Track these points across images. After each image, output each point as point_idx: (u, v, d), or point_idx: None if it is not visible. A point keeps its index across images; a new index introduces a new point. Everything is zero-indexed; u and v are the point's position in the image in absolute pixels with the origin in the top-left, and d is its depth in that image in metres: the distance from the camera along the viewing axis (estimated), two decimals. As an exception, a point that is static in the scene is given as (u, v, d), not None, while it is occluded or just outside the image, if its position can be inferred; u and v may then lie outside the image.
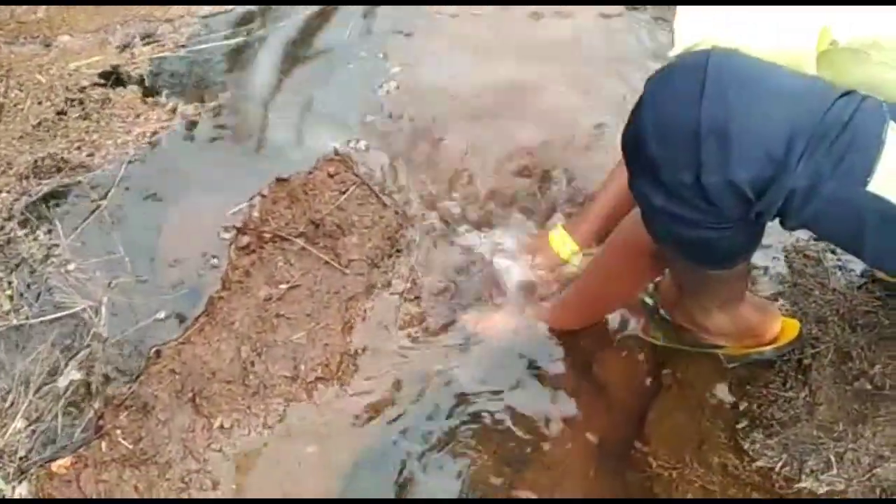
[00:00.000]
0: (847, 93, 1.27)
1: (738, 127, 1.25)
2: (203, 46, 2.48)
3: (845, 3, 1.37)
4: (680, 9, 1.40)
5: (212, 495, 1.64)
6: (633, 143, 1.36)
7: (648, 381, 1.85)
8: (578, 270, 1.94)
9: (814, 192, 1.25)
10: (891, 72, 1.34)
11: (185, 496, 1.63)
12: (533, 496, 1.68)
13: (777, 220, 1.34)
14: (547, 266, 1.96)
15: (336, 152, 2.18)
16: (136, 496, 1.62)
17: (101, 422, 1.70)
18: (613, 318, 1.92)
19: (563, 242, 1.96)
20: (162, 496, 1.62)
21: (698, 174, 1.28)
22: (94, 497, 1.61)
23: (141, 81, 2.37)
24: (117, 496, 1.62)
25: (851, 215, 1.28)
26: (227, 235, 2.02)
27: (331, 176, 2.11)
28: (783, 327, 1.79)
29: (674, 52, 1.40)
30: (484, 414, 1.78)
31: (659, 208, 1.38)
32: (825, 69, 1.35)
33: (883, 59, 1.33)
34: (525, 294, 1.93)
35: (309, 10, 2.61)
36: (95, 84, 2.32)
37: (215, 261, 1.98)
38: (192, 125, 2.27)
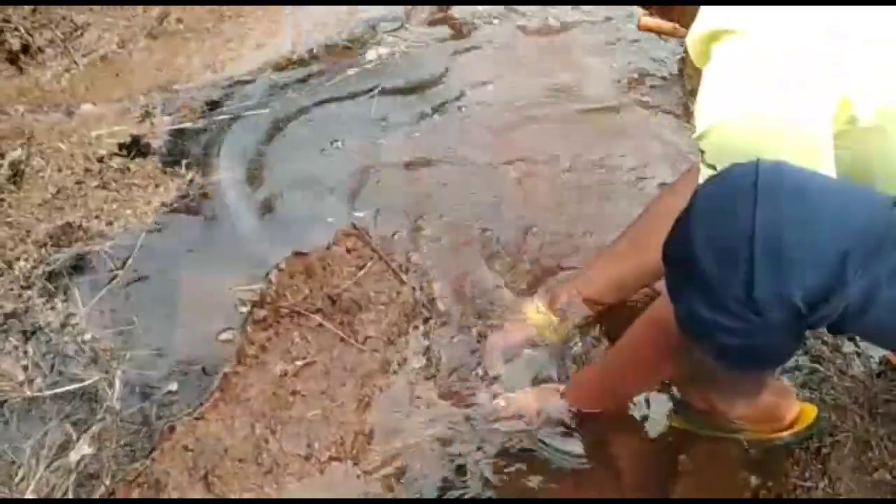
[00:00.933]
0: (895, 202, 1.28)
1: (792, 244, 1.24)
2: (224, 117, 2.49)
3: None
4: (701, 89, 1.40)
5: (222, 576, 1.62)
6: (681, 256, 1.35)
7: (665, 465, 1.83)
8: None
9: (870, 301, 1.25)
10: None
11: (195, 578, 1.61)
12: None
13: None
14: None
15: (354, 226, 2.18)
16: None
17: (113, 498, 1.68)
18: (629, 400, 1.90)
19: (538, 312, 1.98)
20: (172, 577, 1.61)
21: (750, 290, 1.27)
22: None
23: (161, 151, 2.38)
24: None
25: None
26: (243, 309, 2.01)
27: (349, 251, 2.11)
28: (801, 412, 1.78)
29: (696, 135, 1.40)
30: (498, 495, 1.76)
31: (704, 319, 1.37)
32: (842, 144, 1.35)
33: None
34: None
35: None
36: (115, 154, 2.33)
37: (231, 335, 1.96)
38: (211, 196, 2.27)
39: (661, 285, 1.97)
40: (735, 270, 1.28)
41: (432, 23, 2.87)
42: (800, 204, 1.26)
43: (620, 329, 1.93)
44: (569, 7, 2.95)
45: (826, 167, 1.34)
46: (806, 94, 1.31)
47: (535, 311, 1.99)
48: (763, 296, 1.27)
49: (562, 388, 1.86)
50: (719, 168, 1.35)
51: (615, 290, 1.99)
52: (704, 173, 1.39)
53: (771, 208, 1.25)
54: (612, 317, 2.01)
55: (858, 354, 1.91)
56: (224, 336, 1.96)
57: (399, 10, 2.89)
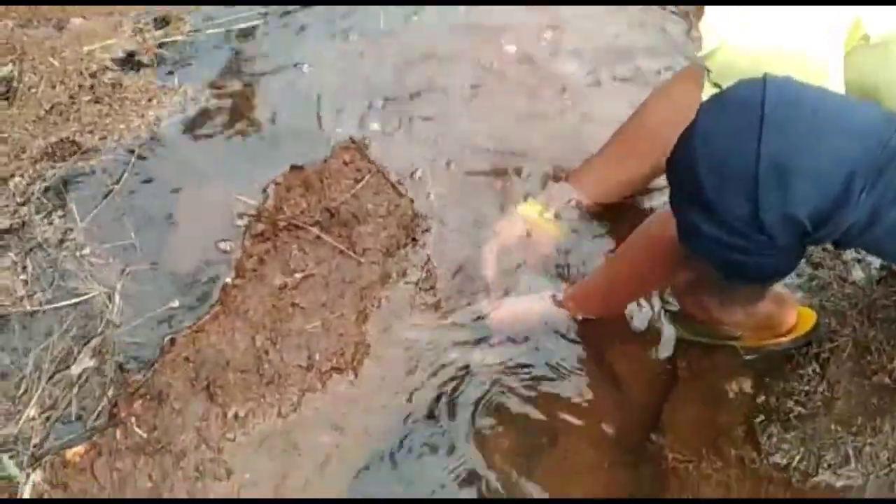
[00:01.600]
0: None
1: (799, 163, 1.24)
2: (218, 31, 2.45)
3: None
4: (708, 9, 1.38)
5: (226, 484, 1.64)
6: (685, 175, 1.34)
7: (664, 373, 1.84)
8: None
9: (874, 222, 1.26)
10: None
11: (199, 485, 1.62)
12: (546, 489, 1.67)
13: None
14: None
15: (352, 140, 2.16)
16: (150, 484, 1.62)
17: (115, 410, 1.69)
18: (628, 309, 1.91)
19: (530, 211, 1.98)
20: (177, 485, 1.62)
21: (756, 209, 1.27)
22: (109, 485, 1.61)
23: (154, 65, 2.35)
24: (131, 484, 1.61)
25: None
26: (240, 223, 2.00)
27: (346, 164, 2.10)
28: (799, 318, 1.78)
29: (702, 53, 1.38)
30: (499, 405, 1.78)
31: (708, 235, 1.36)
32: (851, 69, 1.33)
33: None
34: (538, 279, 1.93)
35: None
36: (108, 68, 2.30)
37: (229, 248, 1.96)
38: (205, 110, 2.25)
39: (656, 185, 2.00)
40: (740, 191, 1.27)
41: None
42: (806, 122, 1.25)
43: (616, 229, 1.97)
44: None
45: (833, 85, 1.32)
46: (818, 15, 1.29)
47: (528, 207, 1.99)
48: (768, 216, 1.27)
49: (559, 295, 1.87)
50: (724, 87, 1.34)
51: (610, 193, 1.99)
52: (708, 91, 1.38)
53: (777, 127, 1.24)
54: (607, 216, 2.02)
55: (859, 261, 1.90)
56: (223, 248, 1.96)
57: None
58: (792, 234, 1.31)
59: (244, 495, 1.63)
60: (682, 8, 2.57)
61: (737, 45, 1.33)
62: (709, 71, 1.37)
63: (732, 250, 1.36)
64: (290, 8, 2.53)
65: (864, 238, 1.30)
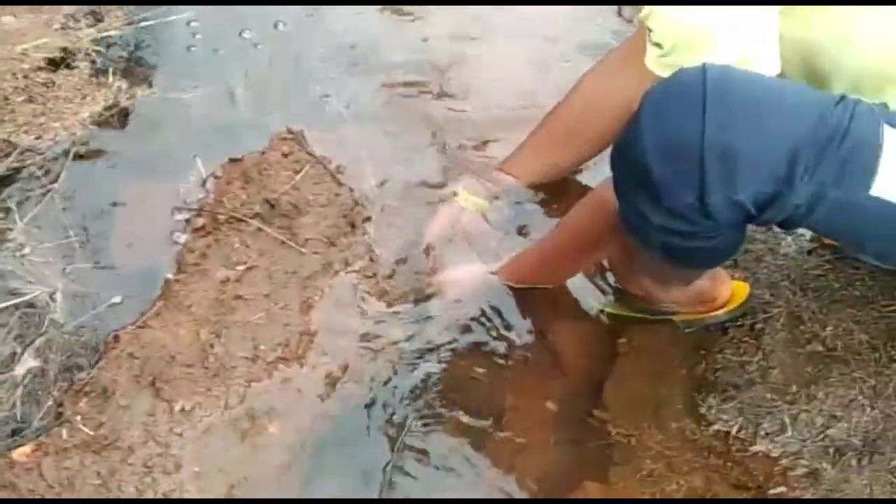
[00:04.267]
0: (840, 99, 1.31)
1: (742, 147, 1.27)
2: (151, 23, 2.44)
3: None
4: None
5: (175, 478, 1.63)
6: (631, 163, 1.38)
7: (604, 348, 1.88)
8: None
9: (817, 202, 1.30)
10: (852, 24, 1.37)
11: (148, 480, 1.62)
12: (493, 468, 1.70)
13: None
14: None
15: (289, 131, 2.16)
16: (98, 482, 1.61)
17: (60, 409, 1.69)
18: (567, 284, 1.94)
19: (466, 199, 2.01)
20: (125, 481, 1.62)
21: (701, 194, 1.31)
22: (58, 484, 1.60)
23: (87, 62, 2.33)
24: (80, 482, 1.61)
25: (855, 219, 1.34)
26: (180, 217, 2.00)
27: (285, 155, 2.10)
28: (733, 291, 1.83)
29: (643, 14, 1.40)
30: (443, 387, 1.80)
31: (654, 223, 1.40)
32: (787, 22, 1.36)
33: (849, 9, 1.36)
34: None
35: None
36: (41, 67, 2.28)
37: (170, 243, 1.96)
38: (140, 106, 2.24)
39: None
40: (687, 178, 1.31)
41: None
42: (748, 110, 1.29)
43: (554, 207, 2.00)
44: None
45: (768, 41, 1.35)
46: None
47: (464, 198, 2.02)
48: (714, 202, 1.31)
49: (495, 267, 1.91)
50: (665, 47, 1.36)
51: (550, 173, 2.02)
52: (651, 52, 1.41)
53: (720, 115, 1.28)
54: (545, 195, 2.06)
55: (790, 234, 1.95)
56: (164, 245, 1.95)
57: None
58: (737, 217, 1.35)
59: (193, 489, 1.63)
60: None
61: (674, 4, 1.35)
62: (650, 30, 1.39)
63: (679, 236, 1.41)
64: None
65: (808, 220, 1.34)
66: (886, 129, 1.29)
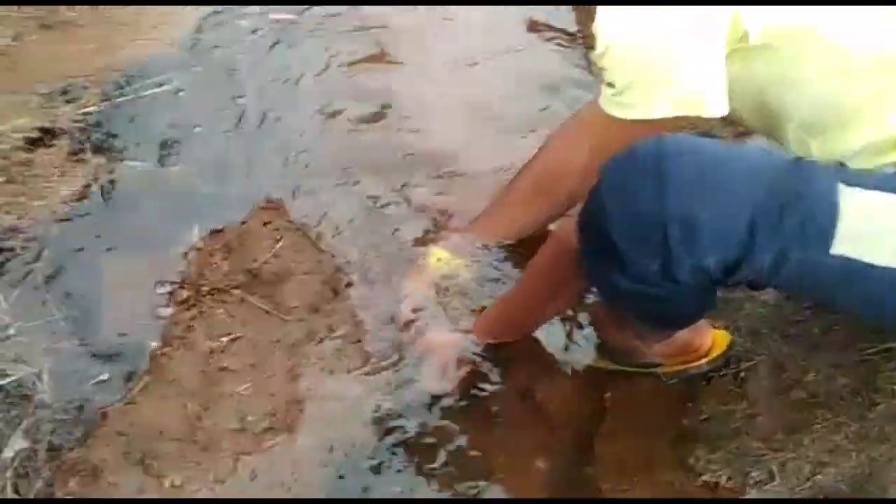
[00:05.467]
0: (796, 161, 1.35)
1: (703, 215, 1.31)
2: (126, 99, 2.47)
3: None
4: (599, 9, 1.43)
5: (167, 554, 1.64)
6: (596, 234, 1.41)
7: (591, 403, 1.89)
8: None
9: (781, 263, 1.33)
10: (800, 68, 1.40)
11: (140, 558, 1.62)
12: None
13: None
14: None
15: (269, 200, 2.19)
16: (91, 562, 1.61)
17: (51, 489, 1.68)
18: (549, 341, 1.96)
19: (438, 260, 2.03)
20: (117, 560, 1.61)
21: (666, 262, 1.34)
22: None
23: (65, 140, 2.35)
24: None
25: (819, 277, 1.36)
26: (163, 290, 2.01)
27: (265, 225, 2.12)
28: (714, 340, 1.85)
29: (596, 53, 1.43)
30: (435, 452, 1.79)
31: (626, 291, 1.44)
32: (735, 65, 1.39)
33: (791, 55, 1.39)
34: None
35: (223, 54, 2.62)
36: (19, 147, 2.29)
37: (154, 317, 1.96)
38: (119, 181, 2.25)
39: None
40: (651, 248, 1.35)
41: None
42: (706, 178, 1.32)
43: (524, 261, 1.98)
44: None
45: (715, 82, 1.38)
46: (699, 9, 1.35)
47: (436, 260, 2.03)
48: (680, 269, 1.35)
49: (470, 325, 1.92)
50: (618, 86, 1.39)
51: (518, 232, 2.05)
52: (604, 92, 1.43)
53: (679, 186, 1.31)
54: (515, 251, 2.06)
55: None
56: (148, 319, 1.96)
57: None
58: (704, 281, 1.38)
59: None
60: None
61: (627, 42, 1.38)
62: (603, 70, 1.42)
63: (648, 300, 1.43)
64: (196, 70, 2.56)
65: (774, 280, 1.37)
66: (842, 188, 1.32)
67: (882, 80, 1.38)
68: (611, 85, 1.40)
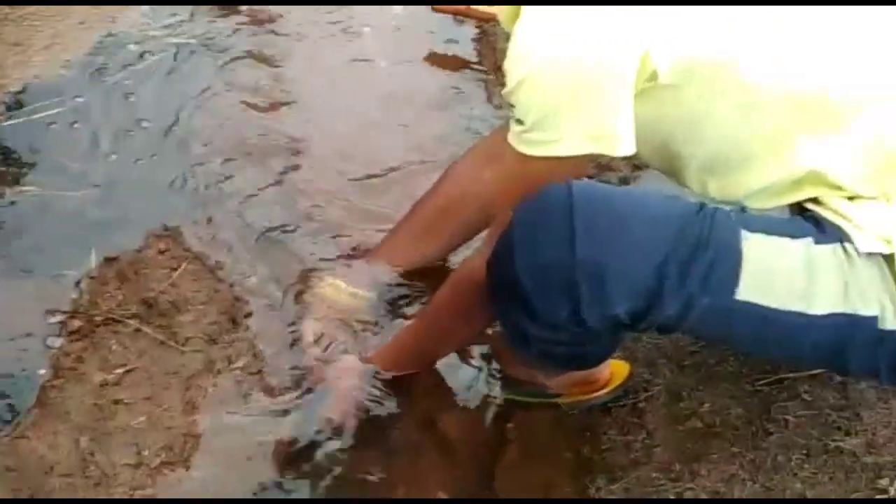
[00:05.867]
0: (700, 208, 1.37)
1: (612, 264, 1.33)
2: (16, 122, 2.39)
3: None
4: (512, 47, 1.43)
5: None
6: (504, 279, 1.43)
7: (491, 433, 1.90)
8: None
9: (689, 311, 1.35)
10: (708, 105, 1.43)
11: None
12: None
13: None
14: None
15: (165, 227, 2.14)
16: None
17: (-64, 530, 1.61)
18: (450, 371, 1.96)
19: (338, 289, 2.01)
20: None
21: (576, 310, 1.36)
22: None
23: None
24: None
25: (725, 322, 1.39)
26: (55, 320, 1.94)
27: (161, 252, 2.07)
28: (614, 371, 1.87)
29: (506, 90, 1.43)
30: (334, 482, 1.78)
31: (535, 337, 1.46)
32: (643, 105, 1.41)
33: (700, 92, 1.41)
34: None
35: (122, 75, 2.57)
36: None
37: (45, 347, 1.89)
38: (9, 205, 2.18)
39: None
40: (561, 295, 1.36)
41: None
42: (614, 227, 1.35)
43: (427, 292, 2.02)
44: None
45: (624, 122, 1.39)
46: (610, 49, 1.36)
47: (335, 289, 2.02)
48: (590, 317, 1.37)
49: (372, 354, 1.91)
50: (527, 123, 1.40)
51: (418, 261, 2.06)
52: (513, 128, 1.44)
53: (588, 230, 1.34)
54: (413, 280, 2.07)
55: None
56: (38, 349, 1.89)
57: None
58: (612, 327, 1.40)
59: None
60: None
61: (536, 78, 1.38)
62: (512, 106, 1.43)
63: (556, 345, 1.45)
64: (89, 92, 2.49)
65: (682, 326, 1.39)
66: (744, 234, 1.36)
67: (788, 119, 1.41)
68: (520, 122, 1.41)
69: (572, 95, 1.36)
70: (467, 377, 1.96)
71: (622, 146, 1.39)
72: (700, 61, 1.39)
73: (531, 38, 1.38)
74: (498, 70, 2.54)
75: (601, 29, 1.35)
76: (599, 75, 1.35)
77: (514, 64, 1.40)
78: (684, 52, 1.38)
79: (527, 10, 1.39)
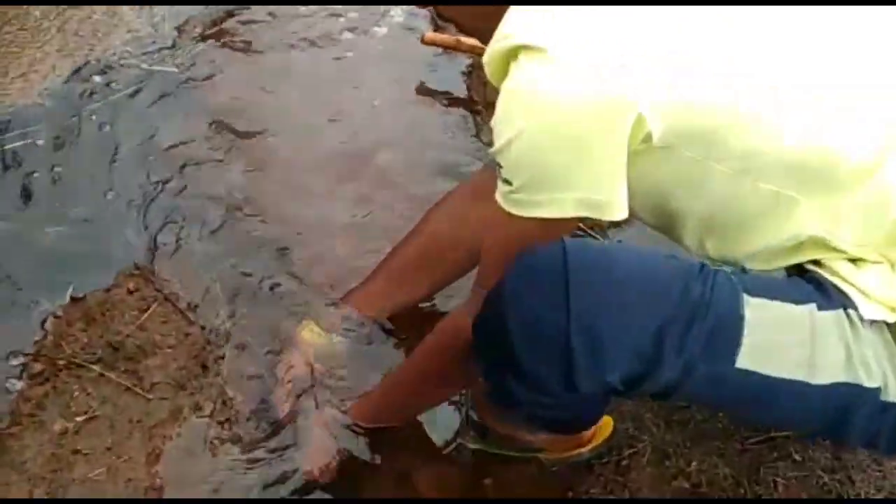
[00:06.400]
0: (701, 269, 1.31)
1: (608, 330, 1.26)
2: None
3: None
4: (500, 104, 1.37)
5: None
6: (494, 343, 1.36)
7: (470, 491, 1.83)
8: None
9: (685, 378, 1.28)
10: (705, 167, 1.36)
11: None
12: None
13: None
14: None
15: (136, 266, 2.06)
16: None
17: None
18: (431, 425, 1.89)
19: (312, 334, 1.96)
20: None
21: (568, 374, 1.29)
22: None
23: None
24: None
25: (724, 390, 1.32)
26: (15, 362, 1.87)
27: (130, 293, 2.00)
28: (597, 427, 1.80)
29: (494, 149, 1.36)
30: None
31: (523, 399, 1.39)
32: (638, 166, 1.35)
33: (693, 154, 1.34)
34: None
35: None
36: None
37: (3, 391, 1.82)
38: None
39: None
40: (554, 359, 1.29)
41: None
42: (611, 291, 1.29)
43: (405, 339, 1.98)
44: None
45: (617, 188, 1.33)
46: (602, 112, 1.30)
47: (311, 334, 1.96)
48: (583, 382, 1.30)
49: (347, 406, 1.85)
50: (515, 184, 1.33)
51: (397, 306, 2.00)
52: (501, 188, 1.38)
53: (583, 293, 1.27)
54: (391, 327, 2.01)
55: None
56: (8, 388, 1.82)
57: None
58: (606, 393, 1.34)
59: None
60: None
61: (525, 141, 1.32)
62: (500, 166, 1.36)
63: (544, 408, 1.39)
64: (63, 123, 2.41)
65: (678, 393, 1.33)
66: (746, 298, 1.29)
67: (789, 183, 1.34)
68: (507, 181, 1.34)
69: (563, 160, 1.29)
70: (447, 430, 1.89)
71: (614, 212, 1.32)
72: (696, 126, 1.32)
73: (520, 97, 1.31)
74: (489, 105, 2.48)
75: (593, 91, 1.28)
76: (591, 140, 1.28)
77: (502, 124, 1.32)
78: (679, 115, 1.31)
79: (515, 69, 1.32)
